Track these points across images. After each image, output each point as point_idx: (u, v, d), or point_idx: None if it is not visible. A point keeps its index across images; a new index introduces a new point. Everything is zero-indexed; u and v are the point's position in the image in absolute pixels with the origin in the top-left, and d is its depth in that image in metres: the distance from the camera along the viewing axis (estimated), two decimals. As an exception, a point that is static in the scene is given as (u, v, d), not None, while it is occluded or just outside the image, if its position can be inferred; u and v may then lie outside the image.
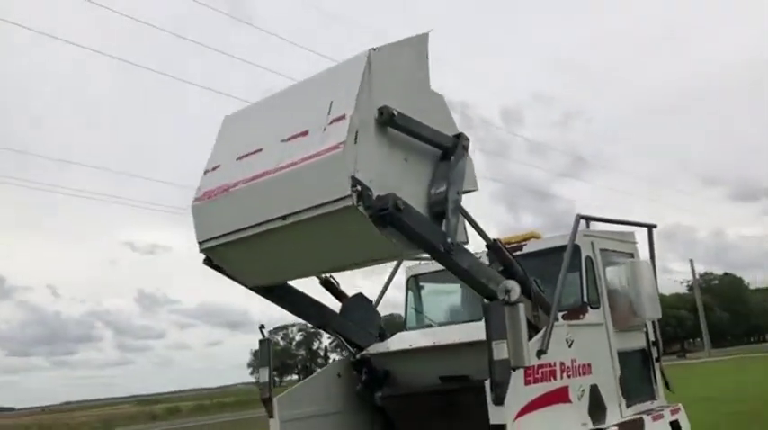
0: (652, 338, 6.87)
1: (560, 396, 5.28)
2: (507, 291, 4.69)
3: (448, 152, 4.84)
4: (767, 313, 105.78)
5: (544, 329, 5.16)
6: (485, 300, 4.86)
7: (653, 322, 6.89)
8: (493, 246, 5.23)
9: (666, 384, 6.91)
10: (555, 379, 5.25)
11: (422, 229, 4.40)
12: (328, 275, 6.35)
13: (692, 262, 71.06)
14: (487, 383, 4.56)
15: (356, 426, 6.12)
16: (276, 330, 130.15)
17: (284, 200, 4.42)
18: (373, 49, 4.51)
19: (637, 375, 6.49)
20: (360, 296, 6.54)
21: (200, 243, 5.01)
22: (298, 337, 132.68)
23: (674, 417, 6.58)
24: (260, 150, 4.76)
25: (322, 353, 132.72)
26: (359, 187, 4.09)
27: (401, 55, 4.77)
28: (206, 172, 5.11)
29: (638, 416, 6.05)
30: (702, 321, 63.55)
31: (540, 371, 5.06)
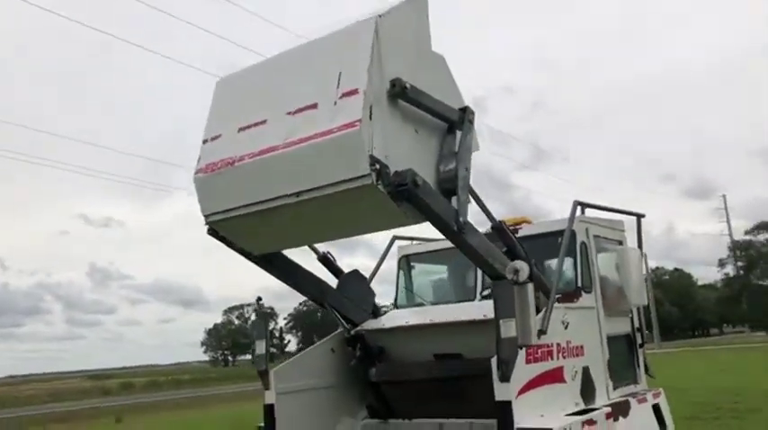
0: (636, 325, 7.08)
1: (556, 376, 5.42)
2: (516, 271, 4.78)
3: (454, 125, 4.83)
4: (712, 309, 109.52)
5: (544, 310, 5.27)
6: (493, 280, 4.94)
7: (638, 309, 7.09)
8: (498, 228, 5.31)
9: (647, 369, 7.13)
10: (552, 359, 5.39)
11: (437, 207, 4.44)
12: (326, 251, 6.38)
13: (645, 256, 72.54)
14: (494, 361, 4.65)
15: (349, 400, 6.19)
16: (231, 309, 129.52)
17: (296, 176, 4.37)
18: (380, 16, 4.37)
19: (622, 359, 6.69)
20: (355, 273, 6.57)
21: (205, 216, 4.97)
22: (253, 317, 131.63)
23: (655, 401, 6.81)
24: (264, 122, 4.65)
25: (277, 334, 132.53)
26: (377, 165, 4.08)
27: (405, 18, 4.63)
28: (205, 141, 5.00)
29: (625, 399, 6.25)
30: (654, 315, 65.28)
31: (539, 350, 5.18)
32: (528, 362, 5.00)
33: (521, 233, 6.54)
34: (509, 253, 5.23)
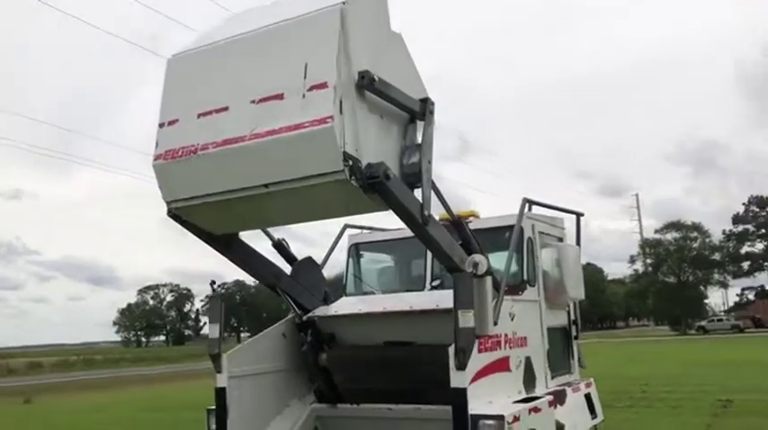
0: (573, 317, 7.45)
1: (503, 365, 5.68)
2: (476, 265, 5.00)
3: (415, 116, 4.88)
4: (620, 302, 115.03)
5: (494, 302, 5.50)
6: (452, 272, 5.12)
7: (574, 303, 7.47)
8: (456, 222, 5.50)
9: (579, 360, 7.53)
10: (500, 348, 5.64)
11: (404, 199, 4.57)
12: (281, 238, 6.43)
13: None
14: (451, 349, 4.84)
15: (299, 385, 6.29)
16: (147, 289, 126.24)
17: (265, 169, 4.38)
18: (344, 2, 4.27)
19: (559, 350, 7.06)
20: (309, 260, 6.66)
21: (167, 202, 4.95)
22: (168, 298, 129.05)
23: (587, 390, 7.22)
24: (225, 109, 4.59)
25: (193, 316, 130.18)
26: (350, 161, 4.14)
27: (366, 1, 4.56)
28: (161, 125, 4.90)
29: (562, 388, 6.61)
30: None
31: (489, 340, 5.41)
32: (480, 351, 5.23)
33: (470, 227, 6.78)
34: (464, 246, 5.43)
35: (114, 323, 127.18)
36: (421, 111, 4.89)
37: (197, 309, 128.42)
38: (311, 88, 4.21)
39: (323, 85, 4.17)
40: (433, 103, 4.99)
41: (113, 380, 37.61)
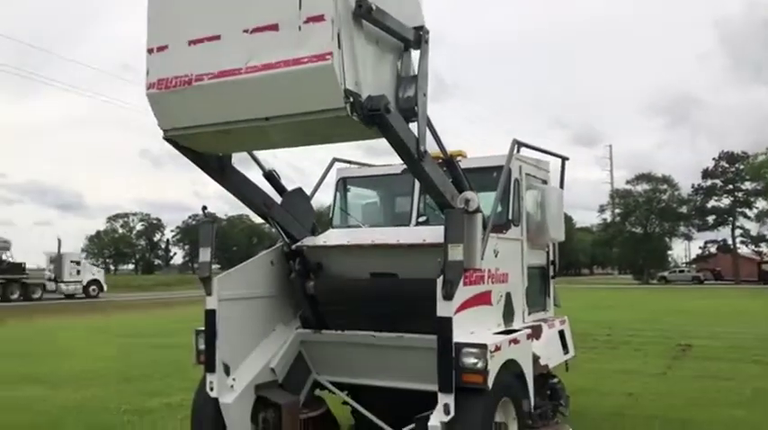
0: (551, 258, 7.70)
1: (485, 298, 5.91)
2: (468, 201, 5.15)
3: (409, 45, 4.83)
4: (586, 250, 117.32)
5: (480, 239, 5.68)
6: (442, 208, 5.27)
7: (554, 244, 7.71)
8: (449, 161, 5.60)
9: (555, 299, 7.82)
10: (483, 283, 5.85)
11: (403, 133, 4.65)
12: (271, 169, 6.49)
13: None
14: (439, 280, 5.02)
15: (286, 311, 6.46)
16: (116, 217, 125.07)
17: (264, 102, 4.34)
18: None
19: (537, 288, 7.31)
20: (299, 191, 6.73)
21: (164, 130, 4.92)
22: (138, 227, 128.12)
23: (561, 327, 7.53)
24: (218, 38, 4.47)
25: (163, 246, 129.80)
26: (351, 98, 4.13)
27: None
28: (150, 51, 4.75)
29: (538, 323, 6.89)
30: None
31: (474, 274, 5.61)
32: (465, 284, 5.42)
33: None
34: (455, 184, 5.56)
35: (82, 250, 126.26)
36: (415, 39, 4.79)
37: (167, 239, 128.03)
38: (307, 20, 4.08)
39: (320, 18, 4.04)
40: (428, 32, 4.86)
41: (85, 304, 37.73)
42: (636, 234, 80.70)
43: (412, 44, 4.82)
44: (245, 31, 4.31)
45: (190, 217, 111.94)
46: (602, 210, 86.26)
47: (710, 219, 77.89)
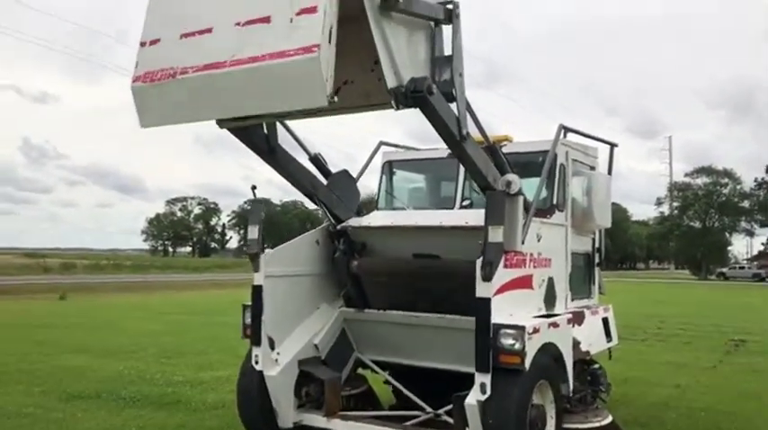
0: (597, 245, 7.65)
1: (526, 282, 5.92)
2: (509, 184, 5.20)
3: (440, 22, 4.70)
4: (641, 244, 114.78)
5: (523, 222, 5.71)
6: (484, 191, 5.32)
7: (600, 231, 7.65)
8: (491, 146, 5.63)
9: (600, 287, 7.77)
10: (525, 267, 5.87)
11: (445, 115, 4.70)
12: (317, 153, 6.60)
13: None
14: (479, 262, 5.08)
15: (330, 289, 6.60)
16: (175, 200, 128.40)
17: (244, 100, 4.20)
18: None
19: (581, 274, 7.27)
20: (345, 173, 6.86)
21: (144, 127, 4.76)
22: (196, 210, 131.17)
23: (605, 315, 7.48)
24: (209, 30, 4.32)
25: (219, 230, 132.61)
26: (336, 99, 3.91)
27: None
28: (143, 44, 4.62)
29: (581, 310, 6.87)
30: (589, 244, 67.86)
31: (515, 258, 5.64)
32: (506, 267, 5.46)
33: (504, 151, 6.92)
34: (498, 168, 5.59)
35: (142, 232, 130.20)
36: (447, 16, 4.67)
37: (223, 223, 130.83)
38: (300, 12, 3.92)
39: (312, 9, 3.88)
40: (457, 5, 4.70)
41: (143, 284, 38.98)
42: (694, 228, 78.51)
43: (443, 21, 4.75)
44: (238, 23, 4.18)
45: (245, 202, 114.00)
46: (659, 203, 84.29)
47: (774, 214, 75.18)
